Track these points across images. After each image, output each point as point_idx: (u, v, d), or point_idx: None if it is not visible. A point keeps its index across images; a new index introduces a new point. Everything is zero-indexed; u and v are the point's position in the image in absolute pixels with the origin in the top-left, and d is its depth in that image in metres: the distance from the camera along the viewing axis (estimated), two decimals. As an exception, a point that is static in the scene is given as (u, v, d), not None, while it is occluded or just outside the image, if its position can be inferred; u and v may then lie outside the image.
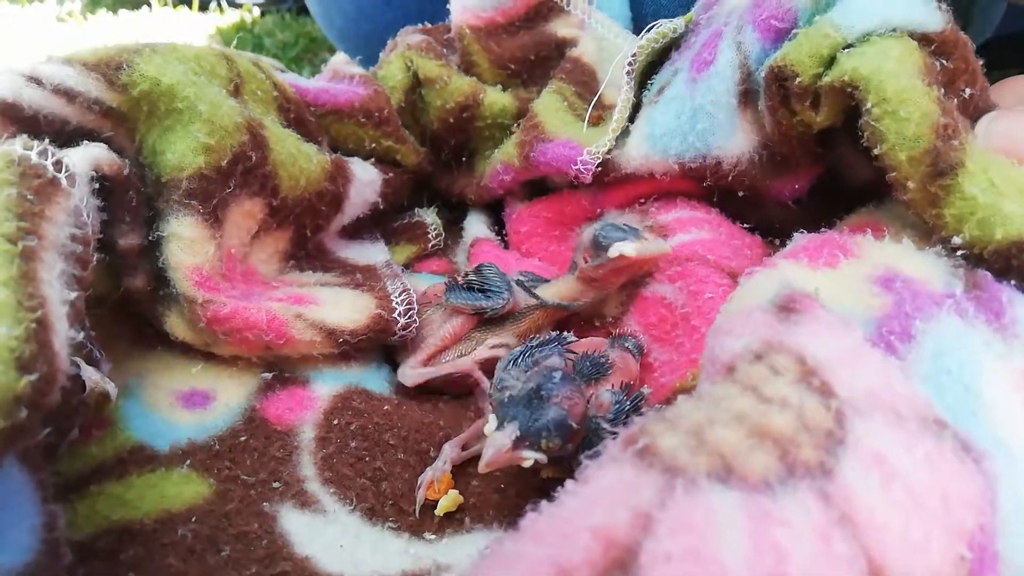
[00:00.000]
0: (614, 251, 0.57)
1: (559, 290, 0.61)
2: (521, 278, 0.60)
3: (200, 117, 0.52)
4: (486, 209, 0.80)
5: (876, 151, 0.46)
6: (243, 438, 0.52)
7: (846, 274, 0.45)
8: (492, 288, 0.57)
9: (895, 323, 0.42)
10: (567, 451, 0.45)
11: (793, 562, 0.30)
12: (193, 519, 0.46)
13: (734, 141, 0.60)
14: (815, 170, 0.62)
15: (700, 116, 0.62)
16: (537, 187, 0.77)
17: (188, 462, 0.49)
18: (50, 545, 0.37)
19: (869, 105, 0.46)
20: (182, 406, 0.54)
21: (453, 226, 0.80)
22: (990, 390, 0.39)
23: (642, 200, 0.69)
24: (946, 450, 0.36)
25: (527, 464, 0.42)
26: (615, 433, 0.43)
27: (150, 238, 0.54)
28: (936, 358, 0.39)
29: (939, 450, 0.36)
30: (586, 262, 0.58)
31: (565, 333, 0.53)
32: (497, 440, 0.41)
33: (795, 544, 0.31)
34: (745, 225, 0.66)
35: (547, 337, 0.51)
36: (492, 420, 0.44)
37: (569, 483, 0.36)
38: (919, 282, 0.44)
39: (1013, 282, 0.43)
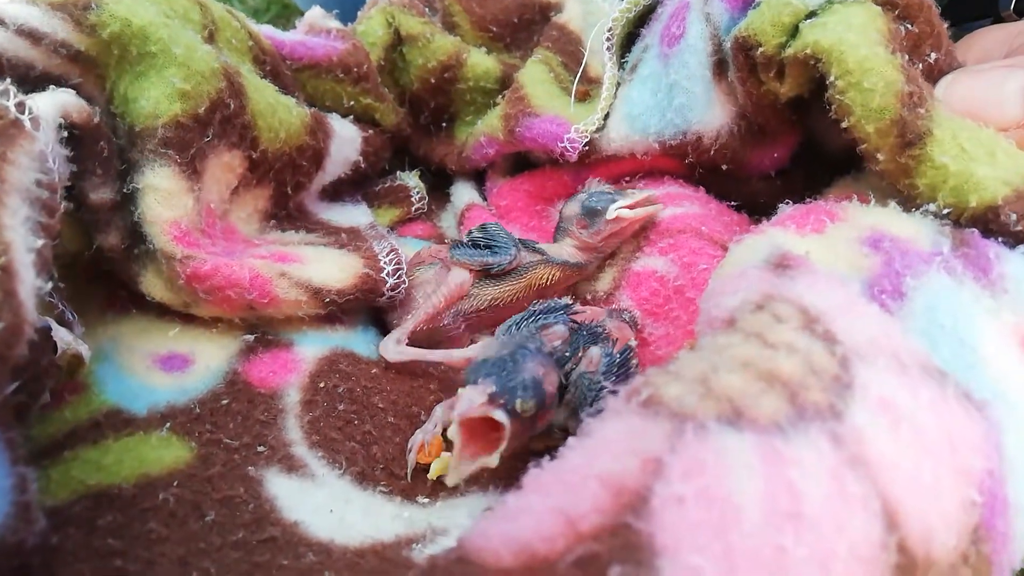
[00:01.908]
0: (611, 212, 0.57)
1: (560, 251, 0.60)
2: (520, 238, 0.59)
3: (175, 61, 0.49)
4: (469, 179, 0.78)
5: (844, 123, 0.46)
6: (225, 401, 0.50)
7: (834, 237, 0.45)
8: (498, 244, 0.56)
9: (886, 281, 0.41)
10: (535, 429, 0.43)
11: (808, 501, 0.29)
12: (175, 483, 0.44)
13: (712, 114, 0.59)
14: (793, 138, 0.61)
15: (676, 92, 0.60)
16: (519, 161, 0.75)
17: (168, 425, 0.47)
18: (20, 508, 0.35)
19: (833, 78, 0.45)
20: (160, 369, 0.51)
21: (436, 191, 0.78)
22: (985, 345, 0.39)
23: (627, 178, 0.68)
24: (949, 396, 0.35)
25: (493, 462, 0.40)
26: (613, 391, 0.42)
27: (124, 192, 0.51)
28: (928, 313, 0.39)
29: (943, 396, 0.35)
30: (581, 233, 0.58)
31: (571, 300, 0.52)
32: (470, 393, 0.40)
33: (809, 484, 0.30)
34: (731, 204, 0.65)
35: (553, 303, 0.50)
36: (469, 384, 0.42)
37: (571, 439, 0.35)
38: (907, 241, 0.43)
39: (1000, 239, 0.43)
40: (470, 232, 0.58)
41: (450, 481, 0.41)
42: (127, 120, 0.51)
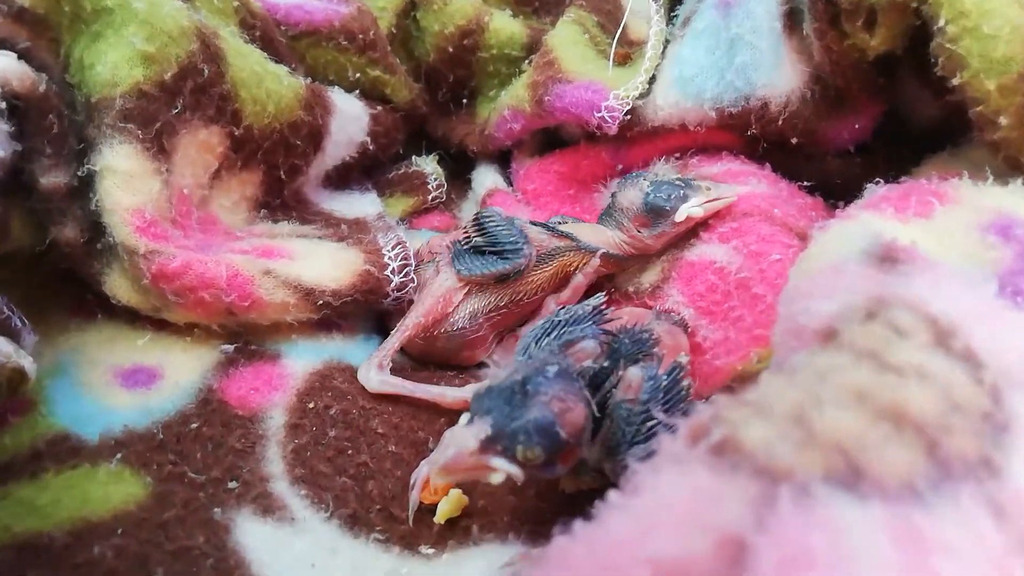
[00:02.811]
0: (681, 215, 0.48)
1: (598, 237, 0.50)
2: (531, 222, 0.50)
3: (136, 18, 0.42)
4: (493, 162, 0.68)
5: (954, 81, 0.39)
6: (194, 425, 0.42)
7: (946, 224, 0.37)
8: (506, 245, 0.47)
9: (1021, 278, 0.32)
10: (555, 471, 0.35)
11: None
12: (119, 531, 0.36)
13: (781, 75, 0.51)
14: (877, 107, 0.53)
15: (738, 48, 0.52)
16: (549, 139, 0.66)
17: (120, 455, 0.40)
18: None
19: (942, 23, 0.39)
20: (121, 385, 0.44)
21: (456, 179, 0.69)
22: None
23: (677, 155, 0.58)
24: None
25: (495, 479, 0.33)
26: (668, 425, 0.32)
27: (80, 174, 0.44)
28: None
29: None
30: (641, 232, 0.50)
31: (599, 303, 0.42)
32: (460, 438, 0.33)
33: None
34: (802, 185, 0.55)
35: (579, 311, 0.40)
36: (465, 415, 0.35)
37: (613, 494, 0.26)
38: None
39: None
40: (465, 233, 0.49)
41: (440, 518, 0.35)
42: (84, 90, 0.44)
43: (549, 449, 0.33)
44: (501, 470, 0.33)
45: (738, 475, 0.23)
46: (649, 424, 0.34)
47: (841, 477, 0.22)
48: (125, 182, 0.43)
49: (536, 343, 0.37)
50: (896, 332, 0.26)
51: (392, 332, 0.47)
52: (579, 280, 0.49)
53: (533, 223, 0.50)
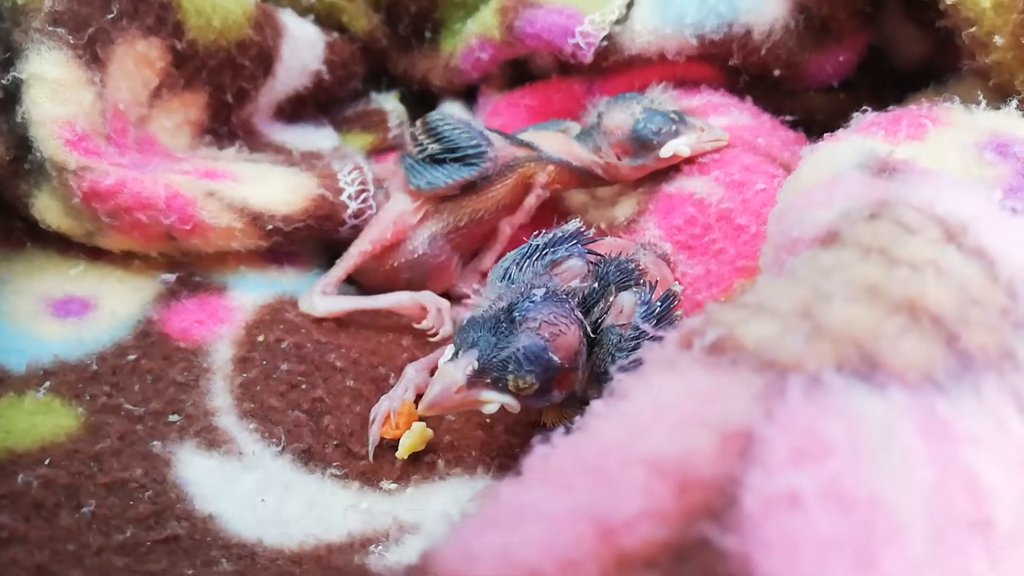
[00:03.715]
0: (667, 151, 0.45)
1: (557, 144, 0.46)
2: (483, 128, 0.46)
3: None
4: (457, 98, 0.65)
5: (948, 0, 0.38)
6: (132, 357, 0.39)
7: (940, 144, 0.36)
8: (466, 149, 0.43)
9: (1021, 196, 0.31)
10: (552, 398, 0.33)
11: (998, 502, 0.18)
12: (46, 461, 0.33)
13: (764, 1, 0.49)
14: (862, 39, 0.51)
15: None
16: (519, 75, 0.62)
17: (48, 384, 0.36)
18: None
19: None
20: (52, 315, 0.41)
21: (418, 118, 0.65)
22: None
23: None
24: None
25: (489, 409, 0.32)
26: (656, 337, 0.30)
27: (4, 83, 0.40)
28: None
29: None
30: (620, 158, 0.46)
31: (579, 227, 0.39)
32: (447, 374, 0.31)
33: (995, 472, 0.19)
34: (784, 119, 0.53)
35: (560, 232, 0.38)
36: (449, 348, 0.32)
37: (597, 404, 0.23)
38: None
39: None
40: (415, 139, 0.45)
41: (401, 453, 0.34)
42: None
43: (542, 376, 0.31)
44: (494, 402, 0.31)
45: (739, 370, 0.21)
46: (641, 339, 0.32)
47: (855, 367, 0.20)
48: (54, 92, 0.39)
49: (517, 267, 0.35)
50: (904, 228, 0.25)
51: (337, 261, 0.44)
52: (530, 202, 0.46)
53: (489, 129, 0.46)
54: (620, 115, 0.45)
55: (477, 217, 0.45)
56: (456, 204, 0.44)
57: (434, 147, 0.43)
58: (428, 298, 0.43)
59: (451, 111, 0.61)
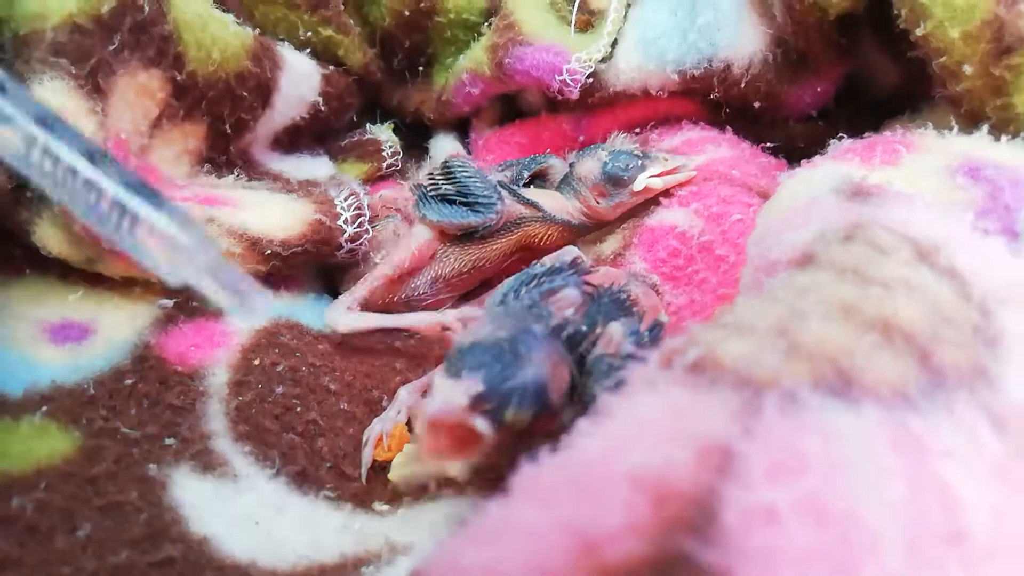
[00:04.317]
0: (639, 184, 0.48)
1: (557, 204, 0.49)
2: (501, 178, 0.48)
3: None
4: (451, 131, 0.66)
5: (917, 31, 0.38)
6: (129, 381, 0.40)
7: (914, 168, 0.37)
8: (478, 197, 0.45)
9: (992, 218, 0.32)
10: (530, 443, 0.32)
11: (971, 516, 0.19)
12: (42, 485, 0.33)
13: (743, 36, 0.50)
14: (839, 70, 0.52)
15: (700, 8, 0.51)
16: (509, 111, 0.64)
17: (45, 409, 0.37)
18: None
19: None
20: (49, 340, 0.41)
21: (412, 150, 0.66)
22: None
23: (637, 129, 0.57)
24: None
25: (455, 471, 0.31)
26: (640, 358, 0.31)
27: (5, 114, 0.40)
28: None
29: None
30: (599, 202, 0.49)
31: (576, 255, 0.41)
32: (449, 391, 0.30)
33: (969, 486, 0.19)
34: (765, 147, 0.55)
35: (558, 262, 0.39)
36: (444, 367, 0.32)
37: (583, 422, 0.24)
38: (1014, 170, 0.34)
39: None
40: (431, 177, 0.47)
41: (394, 475, 0.34)
42: (12, 25, 0.41)
43: (537, 413, 0.31)
44: (484, 431, 0.30)
45: (718, 388, 0.22)
46: (628, 362, 0.33)
47: (830, 384, 0.21)
48: (56, 120, 0.40)
49: (514, 293, 0.36)
50: (878, 250, 0.26)
51: (359, 281, 0.45)
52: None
53: (502, 184, 0.48)
54: (589, 162, 0.49)
55: (480, 265, 0.47)
56: (463, 250, 0.46)
57: (448, 188, 0.46)
58: (448, 318, 0.44)
59: (446, 141, 0.63)
